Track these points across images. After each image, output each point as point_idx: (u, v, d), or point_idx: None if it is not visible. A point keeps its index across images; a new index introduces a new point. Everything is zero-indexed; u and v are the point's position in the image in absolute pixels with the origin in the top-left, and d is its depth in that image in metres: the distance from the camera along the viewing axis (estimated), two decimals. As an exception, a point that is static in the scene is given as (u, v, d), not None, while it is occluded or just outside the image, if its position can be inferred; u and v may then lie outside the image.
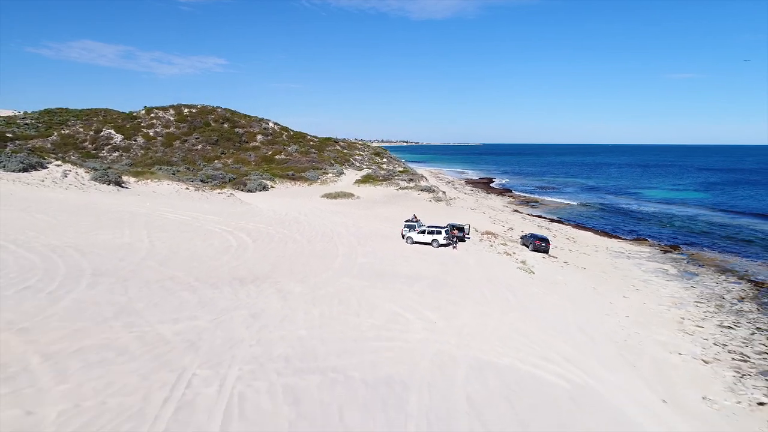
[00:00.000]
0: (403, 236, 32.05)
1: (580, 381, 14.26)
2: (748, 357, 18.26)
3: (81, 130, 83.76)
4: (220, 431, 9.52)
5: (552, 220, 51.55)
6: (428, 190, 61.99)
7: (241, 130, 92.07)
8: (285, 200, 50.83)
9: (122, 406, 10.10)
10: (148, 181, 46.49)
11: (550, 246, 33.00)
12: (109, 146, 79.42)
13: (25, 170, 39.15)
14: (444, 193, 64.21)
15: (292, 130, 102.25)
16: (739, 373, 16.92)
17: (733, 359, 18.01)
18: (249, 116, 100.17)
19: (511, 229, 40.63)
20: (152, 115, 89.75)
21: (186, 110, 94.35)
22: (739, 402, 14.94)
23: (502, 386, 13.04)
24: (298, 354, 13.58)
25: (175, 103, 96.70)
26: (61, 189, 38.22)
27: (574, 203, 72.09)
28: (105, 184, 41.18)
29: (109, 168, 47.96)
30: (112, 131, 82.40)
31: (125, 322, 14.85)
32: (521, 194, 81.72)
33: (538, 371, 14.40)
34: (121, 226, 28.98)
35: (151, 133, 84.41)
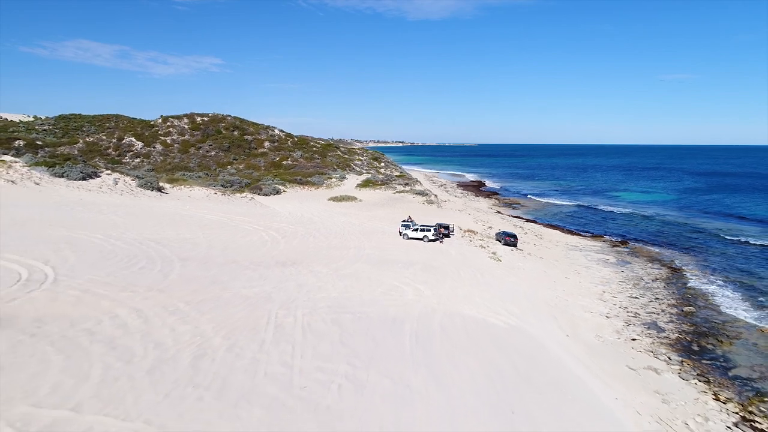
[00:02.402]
0: (400, 233, 39.87)
1: (514, 324, 22.23)
2: (639, 315, 26.26)
3: (104, 137, 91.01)
4: (302, 336, 17.39)
5: (527, 220, 59.64)
6: (422, 193, 69.88)
7: (250, 137, 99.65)
8: (297, 203, 58.55)
9: (245, 323, 17.96)
10: (182, 187, 54.18)
11: (518, 241, 40.93)
12: (131, 153, 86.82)
13: (83, 179, 46.79)
14: (436, 196, 72.13)
15: (296, 137, 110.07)
16: (627, 323, 24.92)
17: (628, 316, 26.02)
18: (257, 124, 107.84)
19: (490, 228, 48.63)
20: (168, 123, 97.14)
21: (198, 118, 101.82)
22: (619, 338, 22.91)
23: (463, 323, 20.98)
24: (334, 305, 21.44)
25: (187, 112, 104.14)
26: (116, 194, 45.87)
27: (553, 205, 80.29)
28: (149, 190, 48.87)
29: (141, 176, 55.53)
30: (133, 139, 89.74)
31: (220, 287, 22.68)
32: (506, 197, 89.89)
33: (488, 318, 22.35)
34: (177, 226, 36.69)
35: (168, 141, 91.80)
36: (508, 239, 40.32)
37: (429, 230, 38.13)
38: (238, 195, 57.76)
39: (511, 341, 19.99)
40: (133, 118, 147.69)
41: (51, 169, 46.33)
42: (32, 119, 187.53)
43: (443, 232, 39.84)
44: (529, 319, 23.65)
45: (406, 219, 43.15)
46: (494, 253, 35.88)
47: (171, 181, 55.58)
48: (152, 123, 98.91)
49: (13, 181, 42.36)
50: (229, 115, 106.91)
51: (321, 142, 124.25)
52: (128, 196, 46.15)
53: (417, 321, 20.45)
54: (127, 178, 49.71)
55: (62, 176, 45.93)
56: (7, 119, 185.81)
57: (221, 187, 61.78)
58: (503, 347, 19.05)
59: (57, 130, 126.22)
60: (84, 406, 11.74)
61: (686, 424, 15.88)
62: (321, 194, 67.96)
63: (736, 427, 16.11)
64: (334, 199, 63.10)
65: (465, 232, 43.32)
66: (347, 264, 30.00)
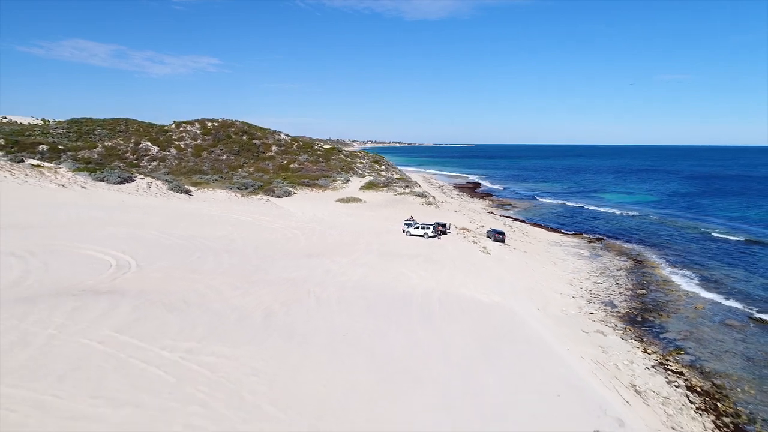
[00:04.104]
0: (403, 231, 45.88)
1: (497, 300, 28.29)
2: (600, 296, 32.39)
3: (122, 142, 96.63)
4: (337, 305, 23.38)
5: (516, 220, 65.78)
6: (421, 195, 75.88)
7: (258, 142, 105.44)
8: (309, 204, 64.42)
9: (292, 296, 23.93)
10: (205, 189, 60.06)
11: (506, 237, 46.93)
12: (148, 157, 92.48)
13: (121, 183, 52.61)
14: (434, 197, 78.14)
15: (301, 141, 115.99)
16: (589, 302, 31.03)
17: (590, 296, 32.13)
18: (264, 128, 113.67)
19: (482, 226, 54.71)
20: (181, 128, 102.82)
21: (209, 124, 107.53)
22: (579, 312, 29.01)
23: (457, 299, 27.01)
24: (357, 285, 27.43)
25: (198, 118, 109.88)
26: (151, 197, 51.73)
27: (542, 206, 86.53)
28: (178, 193, 54.72)
29: (170, 179, 61.31)
30: (149, 143, 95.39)
31: (264, 272, 28.61)
32: (500, 198, 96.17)
33: (476, 296, 28.40)
34: (212, 225, 42.54)
35: (181, 145, 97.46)
36: (497, 236, 46.38)
37: (429, 228, 44.17)
38: (254, 197, 63.63)
39: (493, 312, 26.07)
40: (141, 122, 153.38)
41: (92, 174, 52.13)
42: (41, 122, 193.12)
43: (441, 229, 45.82)
44: (509, 297, 29.73)
45: (408, 218, 49.12)
46: (485, 248, 41.94)
47: (195, 184, 61.44)
48: (166, 128, 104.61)
49: (63, 185, 48.17)
50: (237, 121, 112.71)
51: (322, 143, 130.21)
52: (162, 198, 52.02)
53: (421, 296, 26.52)
54: (158, 182, 55.53)
55: (102, 180, 51.75)
56: (16, 122, 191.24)
57: (238, 190, 67.65)
58: (487, 316, 25.12)
59: (71, 134, 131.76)
60: (204, 341, 17.72)
61: (616, 365, 21.93)
62: (328, 196, 73.83)
63: (654, 368, 22.18)
64: (341, 200, 68.99)
65: (460, 230, 49.36)
66: (361, 256, 35.96)
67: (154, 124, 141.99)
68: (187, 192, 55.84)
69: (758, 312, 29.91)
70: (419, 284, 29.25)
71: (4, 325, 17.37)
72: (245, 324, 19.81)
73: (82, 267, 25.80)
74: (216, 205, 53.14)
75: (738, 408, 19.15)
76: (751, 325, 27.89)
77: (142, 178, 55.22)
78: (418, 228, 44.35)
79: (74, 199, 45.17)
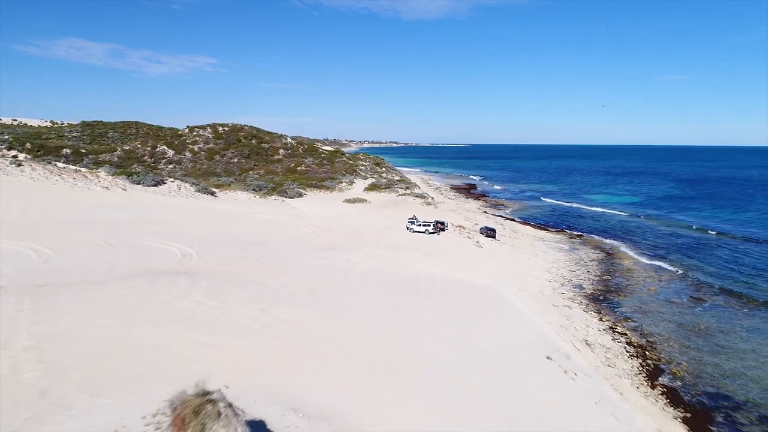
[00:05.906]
0: (407, 228, 52.49)
1: (487, 283, 34.99)
2: (572, 280, 39.19)
3: (139, 146, 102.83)
4: (361, 284, 29.98)
5: (507, 218, 72.62)
6: (421, 196, 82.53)
7: (266, 145, 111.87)
8: (319, 204, 70.95)
9: (326, 278, 30.50)
10: (227, 191, 66.49)
11: (497, 234, 53.63)
12: (165, 160, 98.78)
13: (155, 185, 59.01)
14: (433, 198, 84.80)
15: (306, 144, 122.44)
16: (562, 285, 37.79)
17: (563, 281, 38.89)
18: (271, 133, 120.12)
19: (476, 224, 61.44)
20: (194, 133, 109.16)
21: (220, 128, 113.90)
22: (553, 292, 35.73)
23: (454, 282, 33.66)
24: (374, 271, 34.02)
25: (210, 122, 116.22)
26: (182, 198, 58.15)
27: (533, 206, 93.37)
28: (204, 194, 61.15)
29: (197, 182, 67.67)
30: (165, 147, 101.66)
31: (298, 261, 35.15)
32: (493, 198, 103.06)
33: (470, 280, 35.06)
34: (241, 222, 49.04)
35: (195, 149, 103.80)
36: (489, 232, 53.10)
37: (429, 225, 50.83)
38: (270, 198, 70.13)
39: (484, 291, 32.78)
40: (150, 125, 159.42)
41: (130, 177, 58.50)
42: (50, 124, 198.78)
43: (440, 227, 52.49)
44: (497, 281, 36.46)
45: (411, 217, 55.76)
46: (478, 242, 48.66)
47: (217, 186, 67.88)
48: (180, 132, 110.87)
49: (106, 188, 54.55)
50: (246, 125, 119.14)
51: (321, 144, 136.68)
52: (191, 199, 58.46)
53: (425, 280, 33.17)
54: (186, 185, 61.95)
55: (139, 183, 58.13)
56: (26, 124, 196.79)
57: (254, 191, 74.11)
58: (477, 293, 31.82)
59: (84, 137, 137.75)
60: (270, 304, 24.28)
61: (575, 328, 28.63)
62: (335, 197, 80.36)
63: (604, 330, 28.91)
64: (348, 201, 75.54)
65: (456, 227, 56.05)
66: (372, 249, 42.56)
67: (163, 127, 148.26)
68: (212, 193, 62.26)
69: (697, 292, 36.78)
70: (423, 271, 35.91)
71: (123, 293, 23.91)
72: (297, 296, 26.41)
73: (155, 255, 32.32)
74: (239, 206, 59.61)
75: (661, 355, 25.92)
76: (686, 301, 34.76)
77: (172, 181, 61.61)
78: (420, 225, 51.01)
79: (119, 200, 51.56)
